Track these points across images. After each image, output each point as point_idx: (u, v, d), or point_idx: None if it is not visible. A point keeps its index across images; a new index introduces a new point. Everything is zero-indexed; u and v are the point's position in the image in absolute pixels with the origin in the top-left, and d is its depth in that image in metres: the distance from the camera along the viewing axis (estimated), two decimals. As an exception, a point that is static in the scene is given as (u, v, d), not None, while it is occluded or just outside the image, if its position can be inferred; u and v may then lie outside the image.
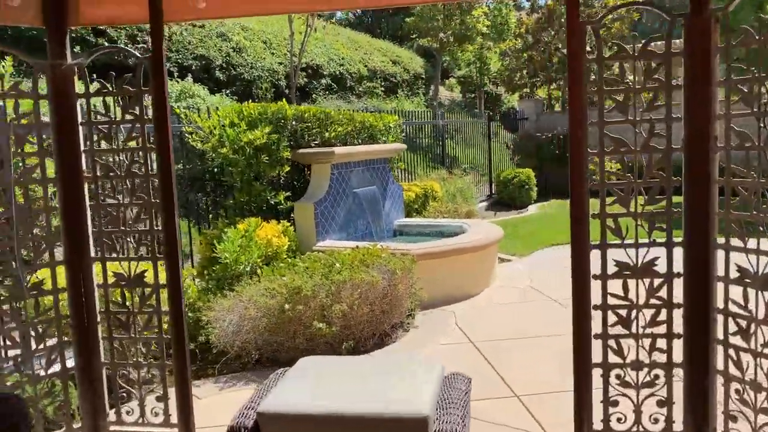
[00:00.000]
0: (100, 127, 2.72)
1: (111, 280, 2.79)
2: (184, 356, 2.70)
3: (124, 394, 2.83)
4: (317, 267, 4.77)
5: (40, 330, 2.68)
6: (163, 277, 2.70)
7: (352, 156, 6.65)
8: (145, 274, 2.77)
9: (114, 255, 2.77)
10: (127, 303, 2.80)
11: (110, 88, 2.67)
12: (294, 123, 6.30)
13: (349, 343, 4.42)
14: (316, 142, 6.60)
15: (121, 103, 2.67)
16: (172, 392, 2.76)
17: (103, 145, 2.73)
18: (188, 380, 2.71)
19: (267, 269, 4.93)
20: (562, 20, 15.57)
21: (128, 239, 2.86)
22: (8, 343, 2.60)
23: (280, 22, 17.14)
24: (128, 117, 2.68)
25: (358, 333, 4.51)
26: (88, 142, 2.73)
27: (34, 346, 2.66)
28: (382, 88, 20.29)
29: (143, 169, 2.69)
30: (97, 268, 2.79)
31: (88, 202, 2.74)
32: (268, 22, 16.91)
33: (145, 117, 2.67)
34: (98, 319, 2.79)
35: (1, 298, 2.59)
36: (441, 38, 19.01)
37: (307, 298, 4.30)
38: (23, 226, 2.59)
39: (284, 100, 6.27)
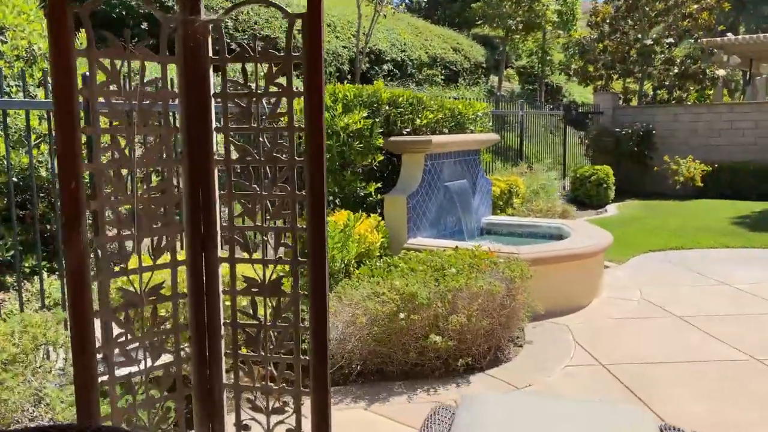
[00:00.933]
0: (237, 100, 2.23)
1: (241, 286, 2.30)
2: (326, 386, 2.21)
3: (249, 423, 2.35)
4: (423, 270, 4.24)
5: (157, 343, 2.22)
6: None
7: (447, 146, 6.09)
8: (282, 281, 2.28)
9: (246, 255, 2.29)
10: (259, 314, 2.31)
11: (251, 53, 2.17)
12: (388, 108, 5.77)
13: (466, 360, 3.88)
14: (407, 130, 6.06)
15: (264, 72, 2.16)
16: (306, 424, 2.28)
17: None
18: (328, 416, 2.21)
19: (365, 268, 4.43)
20: (646, 9, 14.64)
21: (265, 237, 2.35)
22: (121, 359, 2.14)
23: (345, 3, 16.63)
24: (273, 89, 2.18)
25: (474, 348, 3.97)
26: (222, 119, 2.24)
27: (149, 363, 2.19)
28: (442, 76, 19.62)
29: (288, 154, 2.19)
30: (224, 270, 2.31)
31: (218, 191, 2.26)
32: (333, 4, 16.42)
33: (294, 90, 2.16)
34: (222, 332, 2.31)
35: (115, 305, 2.13)
36: (509, 25, 18.22)
37: (422, 307, 3.77)
38: (146, 218, 2.12)
39: (380, 80, 5.74)
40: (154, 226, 2.19)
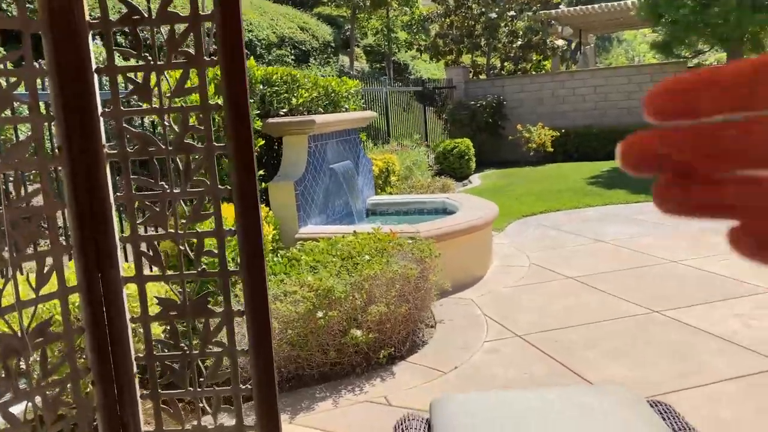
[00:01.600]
0: (129, 74, 1.75)
1: (155, 310, 1.84)
2: (276, 417, 1.84)
3: (181, 476, 1.91)
4: (332, 261, 3.92)
5: (50, 398, 1.70)
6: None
7: (330, 125, 5.75)
8: (209, 299, 1.85)
9: (158, 272, 1.83)
10: (182, 342, 1.87)
11: (145, 15, 1.70)
12: (262, 87, 5.30)
13: (388, 350, 3.64)
14: (284, 111, 5.64)
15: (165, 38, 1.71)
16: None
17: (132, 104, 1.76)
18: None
19: (276, 264, 4.01)
20: (489, -16, 15.16)
21: (182, 247, 1.89)
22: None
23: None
24: (179, 60, 1.73)
25: (394, 337, 3.74)
26: (110, 104, 1.74)
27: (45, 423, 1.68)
28: (293, 56, 19.10)
29: (204, 140, 1.76)
30: (131, 291, 1.83)
31: (112, 194, 1.77)
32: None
33: (207, 58, 1.73)
34: (135, 368, 1.84)
35: (-11, 355, 1.59)
36: (356, 2, 18.07)
37: (339, 301, 3.46)
38: (20, 237, 1.59)
39: (251, 58, 5.23)
40: (31, 246, 1.66)
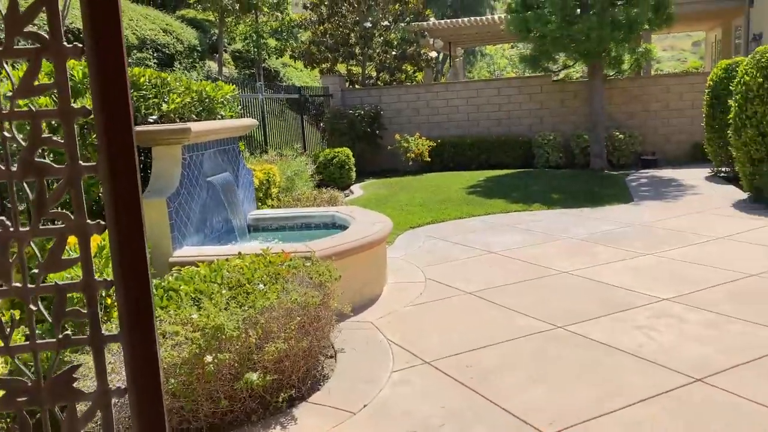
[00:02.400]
0: (-55, 63, 1.21)
1: (-8, 399, 1.29)
2: None
3: None
4: (218, 291, 3.40)
5: None
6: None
7: (208, 134, 5.17)
8: (73, 376, 1.34)
9: (-4, 345, 1.28)
10: (35, 441, 1.33)
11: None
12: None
13: (287, 392, 3.19)
14: (153, 117, 4.99)
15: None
16: None
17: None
18: None
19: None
20: (363, -8, 15.05)
21: (35, 307, 1.35)
22: None
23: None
24: (26, 45, 1.22)
25: (294, 375, 3.30)
26: None
27: None
28: (155, 60, 17.83)
29: (66, 158, 1.26)
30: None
31: None
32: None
33: (70, 45, 1.24)
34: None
35: None
36: (224, 5, 17.23)
37: (231, 341, 2.96)
38: None
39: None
40: None
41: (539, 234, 7.08)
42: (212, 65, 20.90)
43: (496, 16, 16.18)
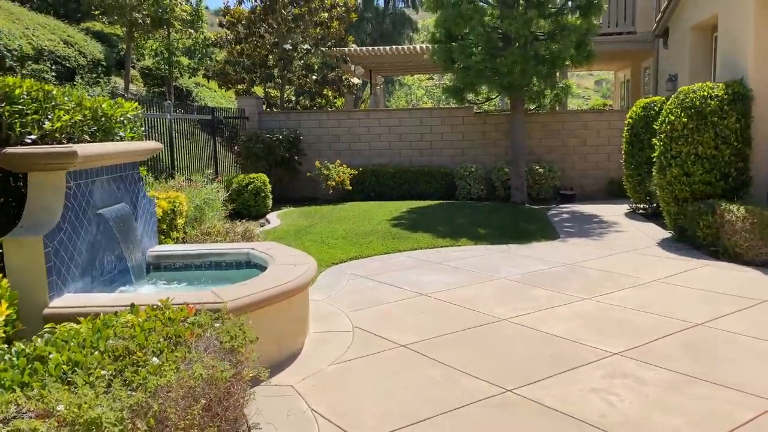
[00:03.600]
0: None
1: None
2: None
3: None
4: (98, 364, 2.66)
5: None
6: None
7: (100, 159, 4.37)
8: None
9: None
10: None
11: None
12: (-3, 104, 3.79)
13: (188, 497, 2.48)
14: (32, 137, 4.14)
15: None
16: None
17: None
18: None
19: (6, 369, 2.60)
20: (284, 12, 14.46)
21: None
22: None
23: None
24: None
25: (197, 472, 2.59)
26: None
27: None
28: (54, 73, 16.40)
29: None
30: None
31: None
32: None
33: None
34: None
35: None
36: (134, 18, 16.11)
37: (111, 437, 2.23)
38: None
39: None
40: None
41: (470, 273, 6.67)
42: (119, 81, 19.55)
43: (417, 46, 16.04)
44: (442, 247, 8.19)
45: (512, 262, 7.15)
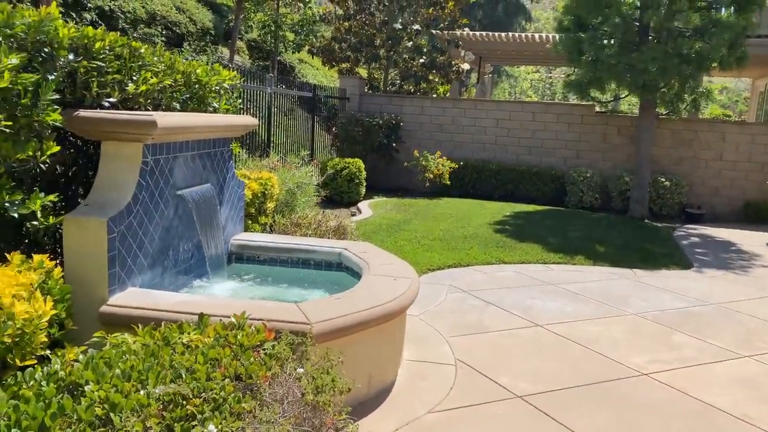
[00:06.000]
0: None
1: None
2: None
3: None
4: (132, 405, 1.97)
5: None
6: None
7: (185, 131, 3.74)
8: None
9: None
10: None
11: None
12: (72, 57, 3.20)
13: None
14: (111, 100, 3.56)
15: None
16: None
17: None
18: None
19: (36, 395, 1.99)
20: (396, -11, 13.66)
21: None
22: None
23: None
24: None
25: None
26: None
27: None
28: (163, 38, 16.44)
29: None
30: None
31: None
32: None
33: None
34: None
35: None
36: (245, -14, 15.82)
37: None
38: None
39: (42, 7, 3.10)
40: None
41: (592, 302, 5.65)
42: (225, 51, 19.52)
43: (537, 35, 14.80)
44: (554, 263, 7.17)
45: (642, 294, 6.05)
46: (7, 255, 2.83)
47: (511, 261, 7.08)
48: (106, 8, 13.67)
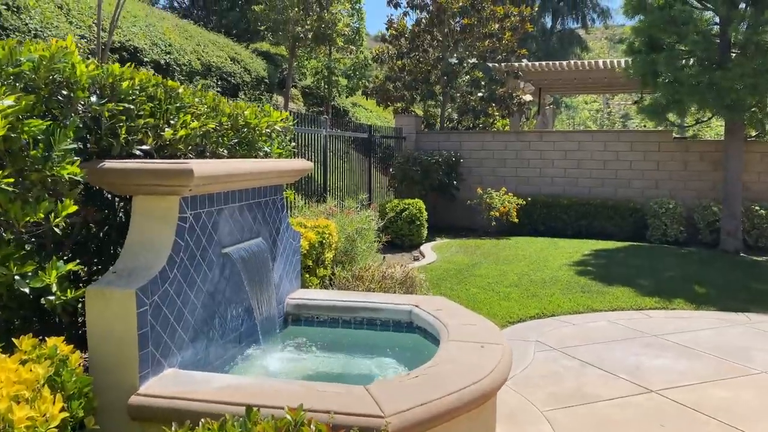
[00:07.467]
0: None
1: None
2: None
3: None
4: None
5: None
6: None
7: (230, 180, 3.21)
8: None
9: None
10: None
11: None
12: (95, 99, 2.74)
13: None
14: (144, 147, 3.08)
15: None
16: None
17: None
18: None
19: None
20: (451, 23, 13.23)
21: None
22: None
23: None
24: None
25: None
26: None
27: None
28: (219, 89, 16.54)
29: None
30: None
31: None
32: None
33: None
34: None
35: None
36: (297, 33, 15.76)
37: None
38: None
39: (74, 50, 2.64)
40: None
41: (710, 357, 4.76)
42: (280, 99, 19.57)
43: (601, 61, 14.04)
44: (650, 308, 6.28)
45: (765, 344, 5.11)
46: (15, 340, 2.31)
47: (601, 308, 6.24)
48: (162, 62, 13.78)
